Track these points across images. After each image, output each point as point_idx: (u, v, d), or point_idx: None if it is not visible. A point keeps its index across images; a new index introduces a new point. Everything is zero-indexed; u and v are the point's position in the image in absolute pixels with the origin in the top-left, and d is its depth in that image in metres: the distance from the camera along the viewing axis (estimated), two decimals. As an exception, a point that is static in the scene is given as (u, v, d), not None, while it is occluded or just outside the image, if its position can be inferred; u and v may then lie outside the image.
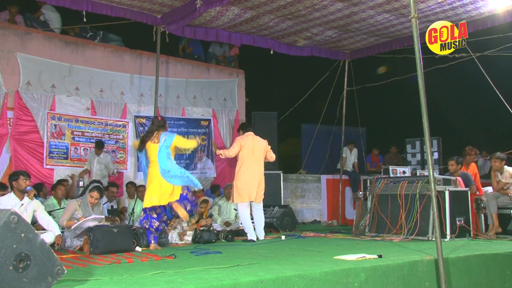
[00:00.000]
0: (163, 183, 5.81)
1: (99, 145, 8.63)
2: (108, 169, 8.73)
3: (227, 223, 8.15)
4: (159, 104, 9.41)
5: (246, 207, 6.91)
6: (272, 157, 7.24)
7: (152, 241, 5.94)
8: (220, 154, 7.10)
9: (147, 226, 5.93)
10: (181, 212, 5.82)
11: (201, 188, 6.25)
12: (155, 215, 5.95)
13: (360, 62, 10.83)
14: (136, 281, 3.46)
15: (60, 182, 7.70)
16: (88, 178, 8.48)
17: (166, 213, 6.06)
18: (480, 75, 8.62)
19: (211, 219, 7.48)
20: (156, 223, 5.96)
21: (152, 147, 5.93)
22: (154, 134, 5.98)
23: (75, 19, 8.84)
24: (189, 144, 6.26)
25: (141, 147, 6.03)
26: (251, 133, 7.17)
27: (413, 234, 6.51)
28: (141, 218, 6.09)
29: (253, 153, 7.00)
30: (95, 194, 6.25)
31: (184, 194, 5.91)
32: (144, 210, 6.00)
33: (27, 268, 2.84)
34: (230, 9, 8.00)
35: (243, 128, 7.35)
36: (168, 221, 6.79)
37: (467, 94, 13.94)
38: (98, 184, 6.50)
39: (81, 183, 8.25)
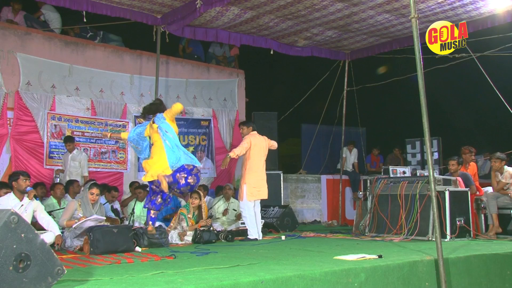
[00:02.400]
0: (163, 158, 5.82)
1: (67, 140, 8.16)
2: (82, 168, 8.24)
3: (225, 212, 8.24)
4: (159, 104, 9.40)
5: (253, 205, 6.99)
6: (274, 144, 7.36)
7: (150, 222, 5.97)
8: (235, 156, 7.03)
9: (150, 205, 5.97)
10: (163, 184, 5.77)
11: (200, 165, 6.11)
12: (159, 198, 5.97)
13: (360, 62, 10.83)
14: (136, 281, 3.46)
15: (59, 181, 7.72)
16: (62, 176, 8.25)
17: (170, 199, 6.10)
18: (480, 75, 8.62)
19: (211, 219, 7.47)
20: (159, 200, 5.96)
21: (153, 132, 5.96)
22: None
23: (75, 19, 8.85)
24: (175, 108, 5.94)
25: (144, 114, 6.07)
26: (256, 132, 7.25)
27: (413, 234, 6.51)
28: (149, 191, 6.15)
29: (260, 152, 7.11)
30: (95, 190, 6.23)
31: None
32: (151, 184, 6.01)
33: (27, 268, 2.84)
34: (230, 9, 8.00)
35: (247, 124, 7.35)
36: (169, 216, 6.77)
37: (467, 94, 13.93)
38: (94, 181, 6.50)
39: (57, 180, 7.95)
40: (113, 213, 7.47)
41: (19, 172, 5.97)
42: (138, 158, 9.46)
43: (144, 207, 6.16)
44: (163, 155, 5.81)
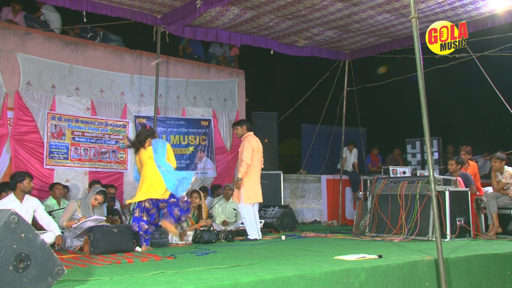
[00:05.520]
0: (158, 177, 5.86)
1: None
2: None
3: (225, 222, 8.16)
4: (159, 104, 9.41)
5: (251, 206, 6.98)
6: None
7: (144, 244, 5.87)
8: (243, 175, 6.93)
9: (136, 229, 5.85)
10: (171, 230, 5.90)
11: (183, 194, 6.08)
12: (145, 218, 5.89)
13: (360, 62, 10.83)
14: (136, 281, 3.46)
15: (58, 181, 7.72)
16: None
17: (159, 215, 6.02)
18: (480, 75, 8.62)
19: (211, 219, 7.47)
20: (145, 226, 5.87)
21: (143, 153, 6.02)
22: (147, 142, 6.05)
23: (75, 19, 8.84)
24: (173, 162, 6.20)
25: (137, 148, 6.10)
26: (252, 132, 7.19)
27: (413, 234, 6.52)
28: (132, 219, 6.08)
29: (258, 155, 7.07)
30: (100, 197, 6.24)
31: (175, 201, 5.94)
32: (136, 208, 5.94)
33: (27, 268, 2.84)
34: (230, 9, 8.00)
35: (240, 124, 7.27)
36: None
37: (467, 94, 13.95)
38: (104, 189, 6.50)
39: None
40: (113, 213, 7.46)
41: (25, 173, 5.96)
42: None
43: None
44: (159, 177, 5.90)
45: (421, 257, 4.50)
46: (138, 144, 6.06)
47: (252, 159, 6.95)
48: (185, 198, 6.02)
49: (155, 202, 5.90)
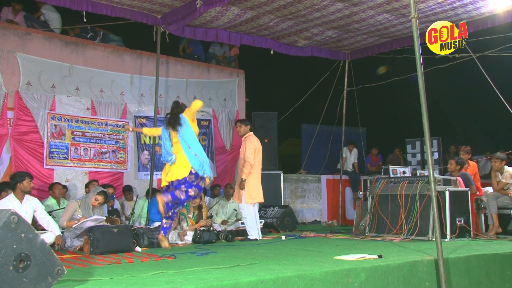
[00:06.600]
0: (183, 160, 5.61)
1: None
2: None
3: (224, 222, 8.17)
4: (159, 104, 9.40)
5: (253, 206, 6.98)
6: None
7: (161, 232, 5.67)
8: (247, 176, 6.89)
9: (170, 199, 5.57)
10: (159, 206, 5.51)
11: (210, 178, 5.80)
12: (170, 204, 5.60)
13: (360, 62, 10.83)
14: (136, 281, 3.46)
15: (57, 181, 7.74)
16: None
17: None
18: (480, 75, 8.62)
19: (211, 219, 7.48)
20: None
21: (173, 133, 5.75)
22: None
23: (75, 19, 8.84)
24: (195, 106, 5.73)
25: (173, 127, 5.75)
26: (252, 132, 7.22)
27: (413, 234, 6.52)
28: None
29: (259, 155, 7.10)
30: (101, 198, 6.24)
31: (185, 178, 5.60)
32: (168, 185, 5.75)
33: (27, 268, 2.84)
34: (230, 9, 8.00)
35: (245, 123, 7.30)
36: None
37: (467, 94, 13.95)
38: (104, 190, 6.50)
39: None
40: (112, 213, 7.46)
41: (25, 174, 5.96)
42: (138, 158, 9.47)
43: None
44: (185, 160, 5.61)
45: (421, 257, 4.50)
46: (175, 123, 5.71)
47: (255, 159, 6.97)
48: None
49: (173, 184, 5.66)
